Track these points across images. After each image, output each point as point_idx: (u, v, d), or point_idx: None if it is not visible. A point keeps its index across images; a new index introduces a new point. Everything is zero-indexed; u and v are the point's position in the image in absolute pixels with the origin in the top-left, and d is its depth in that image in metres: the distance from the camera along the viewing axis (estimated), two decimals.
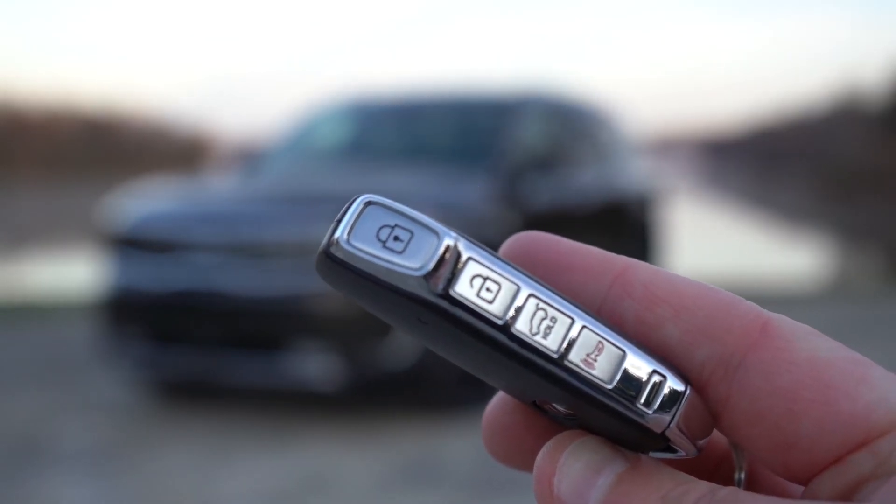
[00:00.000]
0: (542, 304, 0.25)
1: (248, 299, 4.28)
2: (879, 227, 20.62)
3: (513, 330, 0.25)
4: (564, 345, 0.25)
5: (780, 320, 0.27)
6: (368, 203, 0.26)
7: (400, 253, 0.25)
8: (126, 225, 4.67)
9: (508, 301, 0.25)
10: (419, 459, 3.79)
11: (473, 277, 0.25)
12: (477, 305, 0.25)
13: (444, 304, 0.24)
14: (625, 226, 6.50)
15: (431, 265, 0.24)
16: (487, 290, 0.25)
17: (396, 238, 0.25)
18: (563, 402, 0.27)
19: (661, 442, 0.27)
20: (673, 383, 0.26)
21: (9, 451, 3.96)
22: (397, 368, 4.20)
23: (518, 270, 0.26)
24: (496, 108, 5.74)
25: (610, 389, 0.26)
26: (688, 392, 0.27)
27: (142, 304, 4.53)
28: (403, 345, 4.21)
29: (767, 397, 0.26)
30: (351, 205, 0.26)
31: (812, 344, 0.27)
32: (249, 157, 5.99)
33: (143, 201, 4.86)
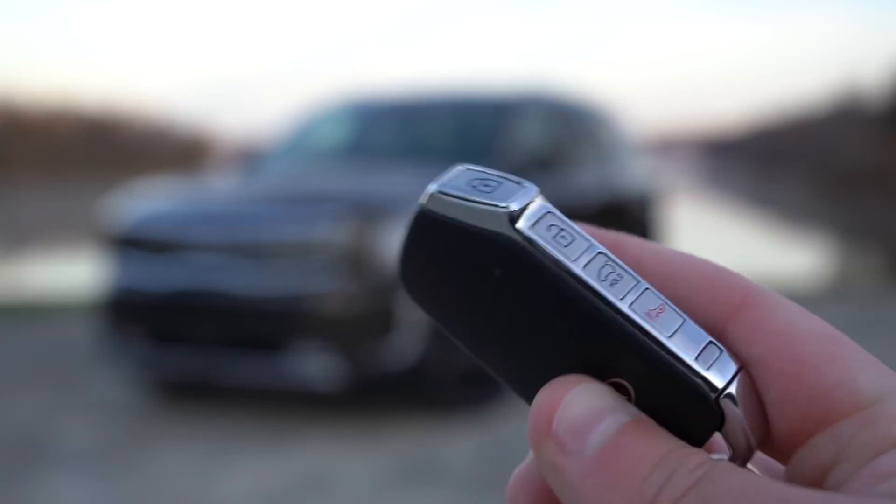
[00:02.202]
0: (609, 262, 0.27)
1: (248, 299, 4.28)
2: (879, 227, 20.62)
3: (582, 273, 0.26)
4: (629, 296, 0.26)
5: (763, 292, 0.27)
6: (466, 168, 0.28)
7: (488, 194, 0.27)
8: (126, 225, 4.67)
9: (580, 251, 0.26)
10: (419, 459, 3.79)
11: (551, 225, 0.27)
12: (553, 248, 0.26)
13: (524, 241, 0.26)
14: (625, 225, 6.48)
15: (516, 206, 0.26)
16: (563, 237, 0.27)
17: (487, 185, 0.27)
18: (616, 359, 0.26)
19: (714, 417, 0.26)
20: (728, 359, 0.26)
21: (9, 451, 3.96)
22: (397, 368, 4.20)
23: (588, 234, 0.27)
24: (496, 107, 5.73)
25: (668, 344, 0.26)
26: (741, 372, 0.26)
27: (142, 304, 4.53)
28: (403, 345, 4.21)
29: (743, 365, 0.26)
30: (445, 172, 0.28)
31: (791, 316, 0.27)
32: (249, 157, 5.99)
33: (143, 201, 4.86)
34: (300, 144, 5.99)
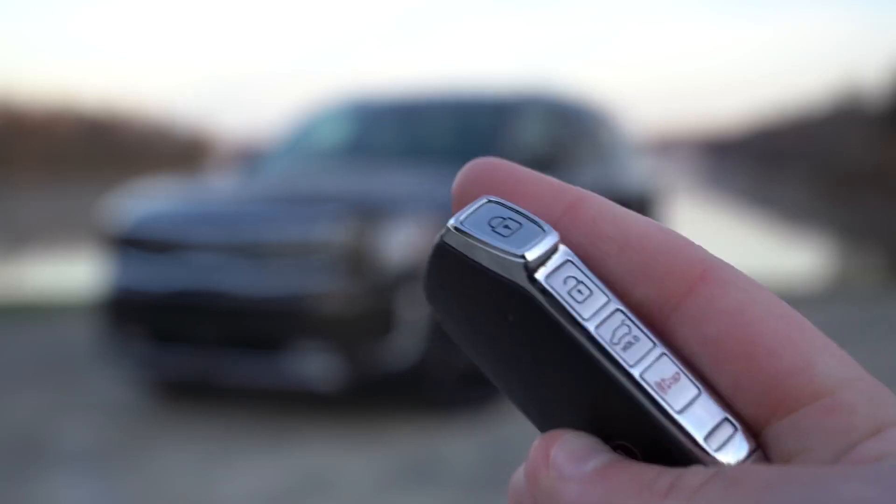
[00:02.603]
0: (627, 322, 0.26)
1: (248, 299, 4.28)
2: (879, 227, 20.63)
3: (595, 334, 0.25)
4: (642, 362, 0.25)
5: (723, 268, 0.26)
6: (488, 201, 0.27)
7: (506, 238, 0.26)
8: (126, 225, 4.67)
9: (596, 308, 0.25)
10: (419, 459, 3.79)
11: (568, 277, 0.26)
12: (567, 302, 0.25)
13: (538, 292, 0.25)
14: None
15: (533, 254, 0.26)
16: (579, 291, 0.26)
17: (507, 226, 0.26)
18: (625, 423, 0.26)
19: None
20: (741, 439, 0.25)
21: (9, 451, 3.96)
22: (397, 368, 4.20)
23: (610, 290, 0.26)
24: (496, 108, 5.74)
25: (678, 419, 0.25)
26: (755, 453, 0.25)
27: (142, 304, 4.53)
28: (403, 345, 4.21)
29: (695, 345, 0.25)
30: (471, 204, 0.28)
31: (749, 295, 0.25)
32: (249, 158, 5.99)
33: (143, 201, 4.86)
34: (300, 144, 5.99)
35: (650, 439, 0.25)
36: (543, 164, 5.50)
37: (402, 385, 4.30)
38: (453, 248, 0.27)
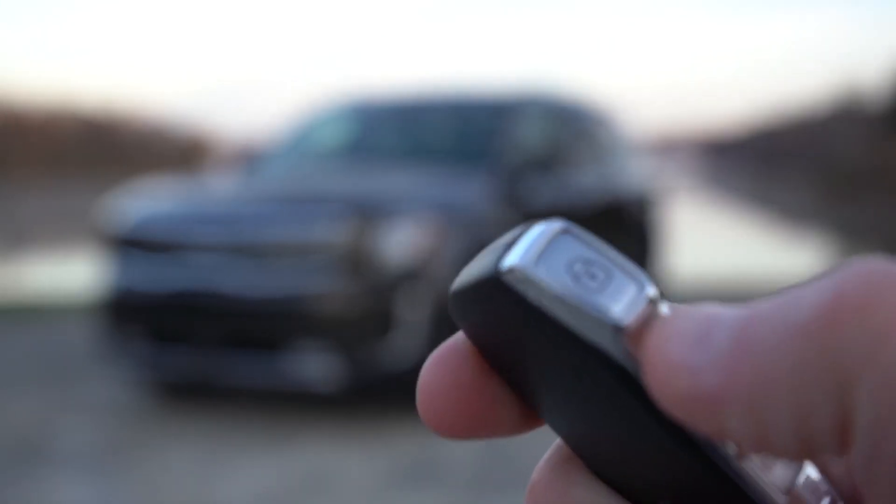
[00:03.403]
0: None
1: (248, 299, 4.28)
2: (879, 227, 20.63)
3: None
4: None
5: None
6: (564, 231, 0.22)
7: (593, 291, 0.21)
8: (126, 225, 4.68)
9: None
10: (419, 459, 3.79)
11: None
12: None
13: (632, 365, 0.21)
14: (625, 226, 6.50)
15: (630, 318, 0.20)
16: None
17: (591, 275, 0.21)
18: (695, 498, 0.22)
19: None
20: None
21: (9, 451, 3.96)
22: (397, 368, 4.20)
23: None
24: (496, 108, 5.74)
25: (781, 502, 0.21)
26: None
27: (142, 305, 4.53)
28: (403, 345, 4.22)
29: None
30: (531, 228, 0.22)
31: None
32: (250, 158, 6.00)
33: (143, 201, 4.86)
34: (300, 145, 6.00)
35: None
36: (543, 165, 5.51)
37: (402, 385, 4.30)
38: (518, 291, 0.21)
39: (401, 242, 4.32)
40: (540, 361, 0.22)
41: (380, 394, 4.45)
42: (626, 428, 0.22)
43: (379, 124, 5.99)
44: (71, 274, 9.62)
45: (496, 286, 0.21)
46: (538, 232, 0.22)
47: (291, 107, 6.55)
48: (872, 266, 0.18)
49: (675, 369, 0.19)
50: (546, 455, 0.25)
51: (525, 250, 0.21)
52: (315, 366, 4.18)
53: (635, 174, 7.03)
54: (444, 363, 0.23)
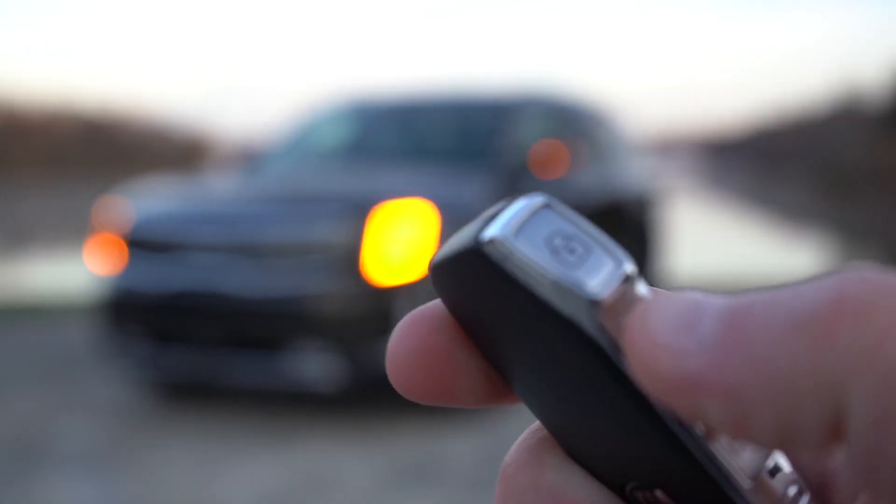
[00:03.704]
0: None
1: (248, 299, 4.28)
2: (879, 227, 20.63)
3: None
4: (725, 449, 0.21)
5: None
6: (545, 206, 0.22)
7: (571, 265, 0.21)
8: (126, 225, 4.68)
9: None
10: (419, 459, 3.79)
11: None
12: None
13: (607, 340, 0.21)
14: (625, 226, 6.50)
15: (606, 293, 0.21)
16: None
17: (570, 249, 0.21)
18: (678, 488, 0.22)
19: None
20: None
21: (8, 451, 3.96)
22: None
23: None
24: (496, 108, 5.74)
25: (746, 487, 0.21)
26: None
27: (142, 304, 4.53)
28: None
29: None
30: (514, 202, 0.22)
31: None
32: (250, 158, 6.00)
33: (143, 201, 4.86)
34: (300, 145, 6.00)
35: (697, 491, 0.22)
36: (543, 165, 5.50)
37: None
38: (496, 261, 0.21)
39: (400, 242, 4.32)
40: (516, 335, 0.22)
41: (380, 394, 4.45)
42: (598, 404, 0.22)
43: (379, 124, 5.99)
44: (71, 274, 9.62)
45: (476, 257, 0.21)
46: (520, 206, 0.22)
47: (291, 107, 6.56)
48: (873, 271, 0.18)
49: (659, 350, 0.19)
50: (520, 437, 0.25)
51: (506, 223, 0.21)
52: (315, 366, 4.18)
53: (635, 174, 7.03)
54: (418, 326, 0.24)
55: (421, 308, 0.24)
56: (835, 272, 0.18)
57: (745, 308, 0.19)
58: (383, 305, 4.23)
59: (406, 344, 0.24)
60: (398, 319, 4.18)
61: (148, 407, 4.63)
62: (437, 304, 0.24)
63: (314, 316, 4.20)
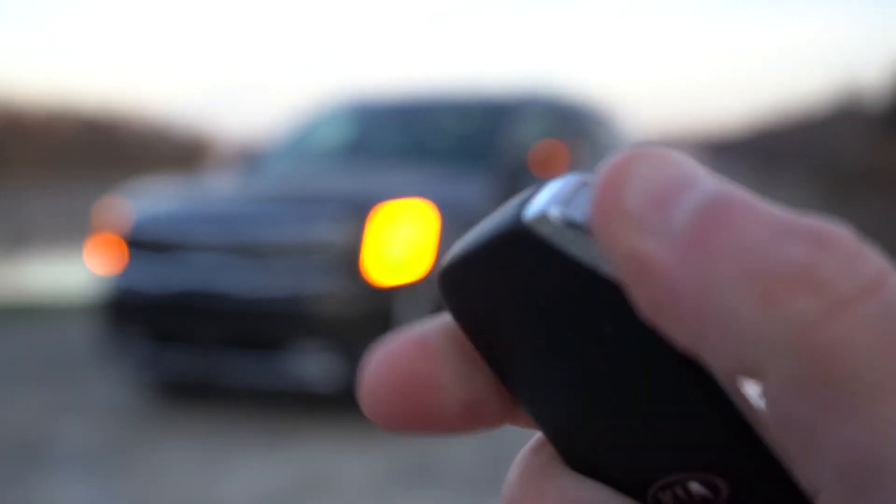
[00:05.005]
0: None
1: (248, 299, 4.28)
2: (880, 227, 20.64)
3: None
4: None
5: None
6: (585, 183, 0.20)
7: None
8: (126, 225, 4.68)
9: None
10: (418, 459, 3.79)
11: None
12: None
13: None
14: None
15: None
16: None
17: None
18: (723, 457, 0.20)
19: None
20: None
21: (8, 451, 3.96)
22: None
23: None
24: (496, 108, 5.74)
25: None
26: None
27: (142, 305, 4.53)
28: None
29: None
30: (548, 183, 0.20)
31: None
32: (250, 158, 6.00)
33: (143, 201, 4.86)
34: (300, 145, 6.00)
35: (754, 479, 0.20)
36: (543, 165, 5.51)
37: None
38: (545, 238, 0.19)
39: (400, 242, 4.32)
40: (550, 325, 0.21)
41: None
42: (637, 380, 0.20)
43: (379, 124, 5.99)
44: (71, 274, 9.62)
45: (520, 238, 0.20)
46: (561, 184, 0.20)
47: (291, 107, 6.56)
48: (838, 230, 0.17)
49: (625, 220, 0.18)
50: (522, 451, 0.24)
51: (550, 199, 0.20)
52: (315, 366, 4.18)
53: None
54: (390, 356, 0.22)
55: (401, 333, 0.23)
56: (824, 220, 0.18)
57: (733, 202, 0.18)
58: (383, 305, 4.23)
59: (384, 370, 0.22)
60: (398, 319, 4.18)
61: (148, 407, 4.63)
62: (418, 330, 0.23)
63: (314, 316, 4.20)
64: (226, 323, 4.33)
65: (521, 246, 0.20)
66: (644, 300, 0.18)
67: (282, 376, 4.24)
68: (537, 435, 0.24)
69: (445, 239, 4.41)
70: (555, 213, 0.19)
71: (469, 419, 0.23)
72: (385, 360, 0.22)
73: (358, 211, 4.32)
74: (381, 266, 4.27)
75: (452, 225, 4.46)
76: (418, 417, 0.22)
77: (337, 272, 4.24)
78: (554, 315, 0.20)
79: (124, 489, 3.57)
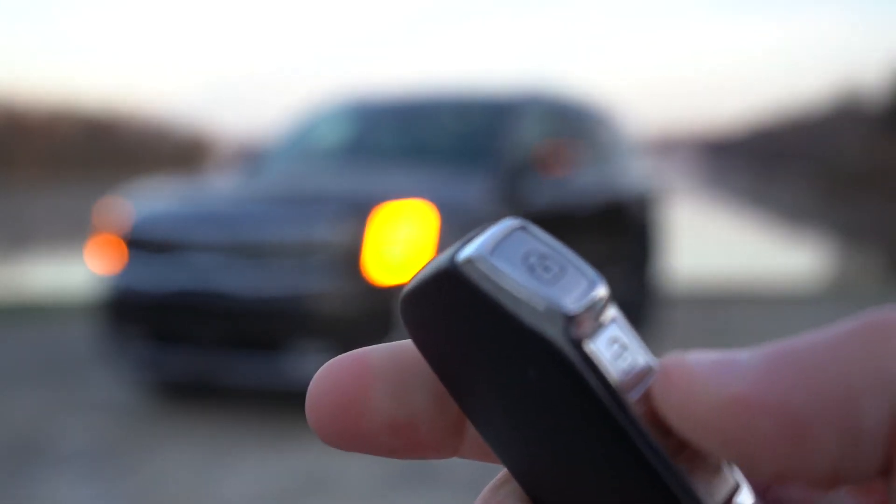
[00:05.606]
0: None
1: (248, 299, 4.28)
2: (879, 227, 20.63)
3: (635, 415, 0.21)
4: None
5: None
6: (520, 228, 0.22)
7: (546, 282, 0.21)
8: (126, 225, 4.68)
9: (638, 381, 0.21)
10: (418, 461, 3.79)
11: (614, 341, 0.21)
12: (611, 372, 0.21)
13: (580, 358, 0.21)
14: (625, 226, 6.50)
15: (579, 308, 0.21)
16: (623, 359, 0.21)
17: (546, 267, 0.21)
18: None
19: None
20: None
21: (9, 451, 3.96)
22: None
23: (648, 351, 0.22)
24: (496, 108, 5.74)
25: None
26: None
27: (142, 305, 4.53)
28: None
29: None
30: (489, 227, 0.22)
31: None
32: (250, 158, 6.00)
33: (143, 201, 4.86)
34: (300, 144, 6.00)
35: None
36: (543, 164, 5.50)
37: None
38: (472, 281, 0.21)
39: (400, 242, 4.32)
40: (488, 364, 0.22)
41: None
42: (570, 432, 0.21)
43: (379, 123, 5.99)
44: (71, 274, 9.62)
45: (451, 278, 0.21)
46: (495, 229, 0.22)
47: (292, 106, 6.56)
48: (890, 309, 0.18)
49: (698, 382, 0.19)
50: (486, 488, 0.24)
51: (481, 244, 0.21)
52: (315, 366, 4.18)
53: (635, 174, 7.03)
54: (337, 371, 0.23)
55: (347, 353, 0.24)
56: (854, 316, 0.18)
57: (781, 344, 0.18)
58: (383, 305, 4.23)
59: (324, 387, 0.23)
60: (398, 319, 4.17)
61: (148, 407, 4.63)
62: (362, 351, 0.24)
63: (314, 316, 4.20)
64: (226, 323, 4.32)
65: (453, 285, 0.21)
66: (735, 438, 0.18)
67: (282, 376, 4.23)
68: (502, 471, 0.24)
69: (445, 239, 4.41)
70: (483, 257, 0.21)
71: (403, 443, 0.23)
72: (325, 377, 0.23)
73: (358, 211, 4.32)
74: (382, 266, 4.27)
75: (452, 225, 4.46)
76: (351, 436, 0.23)
77: (337, 272, 4.24)
78: (486, 352, 0.22)
79: (124, 489, 3.57)
